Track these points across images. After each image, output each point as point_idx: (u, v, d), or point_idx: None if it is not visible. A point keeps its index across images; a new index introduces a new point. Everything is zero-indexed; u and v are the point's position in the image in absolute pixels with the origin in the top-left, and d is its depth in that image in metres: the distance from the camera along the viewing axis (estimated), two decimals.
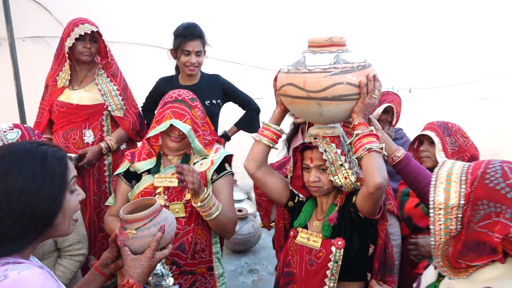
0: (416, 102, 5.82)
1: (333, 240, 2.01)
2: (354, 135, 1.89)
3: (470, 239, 1.30)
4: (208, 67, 3.42)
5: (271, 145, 2.13)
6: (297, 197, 2.21)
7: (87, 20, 3.04)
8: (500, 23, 6.49)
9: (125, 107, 3.18)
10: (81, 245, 2.34)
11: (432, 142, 2.55)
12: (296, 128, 2.95)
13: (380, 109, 3.38)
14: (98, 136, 3.12)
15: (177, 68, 3.43)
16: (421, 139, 2.66)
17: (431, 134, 2.55)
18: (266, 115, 2.46)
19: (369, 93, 1.87)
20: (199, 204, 2.13)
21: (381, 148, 1.85)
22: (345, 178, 1.97)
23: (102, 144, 3.08)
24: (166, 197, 2.28)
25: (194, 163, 2.38)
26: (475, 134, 6.44)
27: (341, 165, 1.97)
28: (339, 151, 2.00)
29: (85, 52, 3.04)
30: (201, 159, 2.39)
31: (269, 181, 2.19)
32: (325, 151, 1.97)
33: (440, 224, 1.33)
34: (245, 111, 3.57)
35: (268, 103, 2.67)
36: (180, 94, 2.36)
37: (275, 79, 2.08)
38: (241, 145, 3.36)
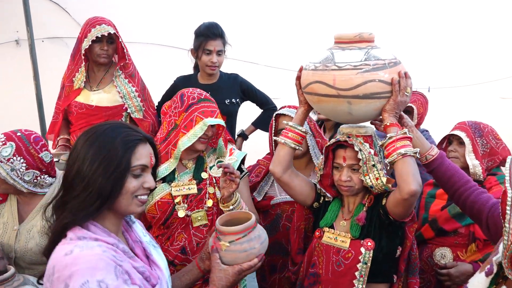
0: (435, 102, 5.72)
1: (362, 241, 2.00)
2: (388, 137, 1.85)
3: None
4: (225, 67, 3.41)
5: (297, 147, 2.09)
6: (322, 198, 2.19)
7: (104, 20, 3.00)
8: None
9: (144, 109, 3.16)
10: None
11: (461, 143, 2.47)
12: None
13: None
14: None
15: (195, 67, 3.44)
16: (450, 138, 2.58)
17: (462, 134, 2.46)
18: None
19: (401, 90, 1.82)
20: (230, 207, 2.10)
21: (415, 153, 1.82)
22: (376, 179, 1.95)
23: None
24: (186, 206, 2.23)
25: (211, 168, 2.35)
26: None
27: (373, 165, 1.95)
28: (372, 151, 1.97)
29: (102, 54, 3.02)
30: (217, 162, 2.36)
31: (295, 184, 2.14)
32: (360, 150, 1.95)
33: None
34: (262, 110, 3.56)
35: (284, 103, 2.66)
36: (201, 93, 2.33)
37: (298, 78, 2.03)
38: (257, 145, 3.35)
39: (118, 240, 1.43)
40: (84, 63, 3.02)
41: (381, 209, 1.98)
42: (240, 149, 3.36)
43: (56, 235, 1.39)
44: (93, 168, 1.36)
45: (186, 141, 2.20)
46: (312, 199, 2.19)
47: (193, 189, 2.25)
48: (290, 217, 2.52)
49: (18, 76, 4.41)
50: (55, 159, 2.78)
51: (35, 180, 2.11)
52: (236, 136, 3.57)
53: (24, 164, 2.05)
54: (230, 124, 3.40)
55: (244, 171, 2.42)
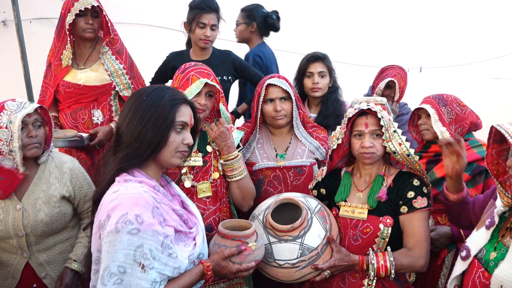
0: (427, 82, 5.73)
1: (381, 218, 2.06)
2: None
3: None
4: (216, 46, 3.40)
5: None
6: (324, 189, 2.30)
7: None
8: None
9: (132, 86, 3.12)
10: None
11: (429, 115, 2.55)
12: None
13: (382, 84, 3.35)
14: (107, 116, 3.08)
15: (188, 43, 3.41)
16: (419, 113, 2.68)
17: (427, 106, 2.57)
18: None
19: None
20: (230, 161, 2.30)
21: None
22: (399, 144, 2.01)
23: (112, 124, 3.04)
24: (192, 177, 2.30)
25: (213, 141, 2.40)
26: (488, 115, 6.36)
27: (395, 131, 2.01)
28: (391, 117, 2.05)
29: (87, 29, 2.95)
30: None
31: None
32: (382, 117, 2.00)
33: None
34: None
35: None
36: (199, 63, 2.39)
37: None
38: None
39: (159, 184, 1.61)
40: (69, 39, 2.96)
41: (401, 201, 2.07)
42: None
43: (107, 181, 1.58)
44: (144, 121, 1.55)
45: None
46: None
47: (199, 161, 2.32)
48: (272, 182, 2.59)
49: (5, 57, 4.38)
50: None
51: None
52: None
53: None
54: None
55: (241, 147, 2.50)
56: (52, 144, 2.32)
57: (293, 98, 2.55)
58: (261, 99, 2.57)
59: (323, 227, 2.03)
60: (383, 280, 2.05)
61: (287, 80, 2.60)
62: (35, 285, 2.27)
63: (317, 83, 3.16)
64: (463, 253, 1.75)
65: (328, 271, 1.98)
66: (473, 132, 2.64)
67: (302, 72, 3.23)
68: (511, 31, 6.44)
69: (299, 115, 2.62)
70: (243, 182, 2.38)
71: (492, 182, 2.35)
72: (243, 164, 2.45)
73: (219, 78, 3.23)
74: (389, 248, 2.04)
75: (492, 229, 1.70)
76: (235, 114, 3.58)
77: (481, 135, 2.64)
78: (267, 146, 2.67)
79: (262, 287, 2.58)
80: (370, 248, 2.06)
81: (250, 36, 3.86)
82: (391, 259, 1.98)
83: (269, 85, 2.56)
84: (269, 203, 2.15)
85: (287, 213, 2.16)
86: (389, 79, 3.32)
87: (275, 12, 3.87)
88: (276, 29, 3.89)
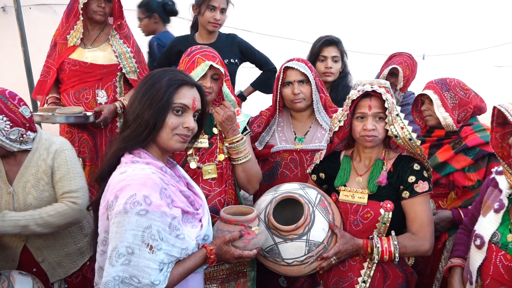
0: (430, 70, 5.68)
1: (381, 202, 2.05)
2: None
3: None
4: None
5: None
6: (321, 174, 2.28)
7: None
8: None
9: (138, 70, 3.12)
10: (77, 194, 2.22)
11: (432, 100, 2.52)
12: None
13: (386, 71, 3.28)
14: (111, 97, 3.06)
15: (193, 26, 3.42)
16: (422, 99, 2.64)
17: (429, 92, 2.53)
18: None
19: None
20: (234, 144, 2.29)
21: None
22: (402, 128, 1.98)
23: (117, 104, 3.02)
24: (198, 158, 2.30)
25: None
26: (490, 103, 6.31)
27: (397, 115, 1.99)
28: (394, 101, 2.02)
29: (99, 11, 2.97)
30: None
31: None
32: (386, 100, 1.98)
33: None
34: (261, 72, 3.54)
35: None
36: (204, 46, 2.37)
37: None
38: (255, 107, 3.33)
39: (161, 166, 1.60)
40: (80, 19, 2.96)
41: (402, 186, 2.06)
42: None
43: (110, 161, 1.59)
44: (142, 102, 1.57)
45: None
46: None
47: (205, 143, 2.31)
48: (289, 165, 2.60)
49: (6, 43, 4.36)
50: (49, 113, 2.76)
51: (21, 138, 2.10)
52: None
53: (8, 122, 2.04)
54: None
55: (248, 130, 2.48)
56: (41, 128, 2.28)
57: (312, 81, 2.52)
58: (280, 83, 2.56)
59: (326, 219, 2.02)
60: (383, 263, 2.05)
61: (306, 63, 2.56)
62: (34, 269, 2.25)
63: (331, 67, 3.13)
64: (477, 242, 1.75)
65: (335, 258, 1.98)
66: (477, 117, 2.61)
67: (316, 56, 3.19)
68: None
69: (320, 99, 2.60)
70: (248, 165, 2.37)
71: (495, 166, 2.32)
72: (249, 147, 2.44)
73: (226, 61, 3.23)
74: (393, 232, 2.03)
75: (502, 212, 1.70)
76: (241, 97, 3.57)
77: (486, 119, 2.59)
78: (287, 130, 2.67)
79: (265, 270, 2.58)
80: (374, 231, 2.05)
81: (156, 27, 4.06)
82: (395, 242, 1.98)
83: (287, 68, 2.54)
84: (268, 200, 2.12)
85: (288, 208, 2.14)
86: (393, 66, 3.27)
87: None
88: (175, 13, 4.09)
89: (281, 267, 2.03)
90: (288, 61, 2.57)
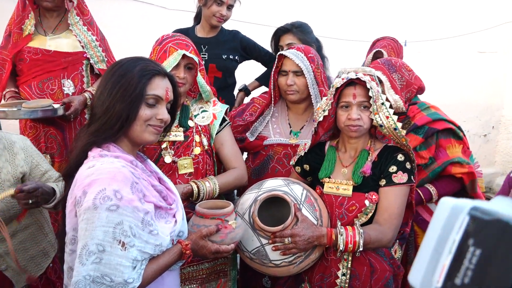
0: (412, 56, 5.62)
1: (366, 194, 1.99)
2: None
3: None
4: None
5: None
6: (306, 166, 2.20)
7: None
8: None
9: (106, 59, 2.94)
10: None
11: (381, 81, 2.45)
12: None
13: (370, 56, 3.26)
14: (78, 87, 2.85)
15: (196, 17, 3.32)
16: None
17: (378, 73, 2.44)
18: None
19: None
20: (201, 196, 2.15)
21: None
22: (387, 117, 1.92)
23: (86, 94, 2.80)
24: (173, 152, 2.18)
25: (195, 116, 2.29)
26: (473, 90, 6.31)
27: (382, 104, 1.92)
28: (380, 89, 1.95)
29: None
30: (201, 112, 2.32)
31: None
32: (371, 88, 1.90)
33: None
34: (266, 68, 3.44)
35: None
36: (175, 34, 2.26)
37: None
38: None
39: (132, 159, 1.53)
40: (32, 8, 2.76)
41: (383, 175, 2.00)
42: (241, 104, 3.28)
43: (78, 156, 1.51)
44: (113, 94, 1.48)
45: None
46: None
47: (180, 136, 2.21)
48: (282, 159, 2.48)
49: None
50: (14, 108, 2.56)
51: None
52: (237, 91, 3.47)
53: None
54: (225, 81, 3.28)
55: (226, 120, 2.38)
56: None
57: (308, 74, 2.38)
58: (277, 71, 2.45)
59: (313, 217, 1.94)
60: (369, 256, 2.00)
61: (306, 53, 2.41)
62: None
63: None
64: None
65: (289, 239, 1.86)
66: (418, 95, 2.64)
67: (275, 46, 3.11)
68: (497, 3, 6.32)
69: (320, 93, 2.44)
70: (224, 188, 2.25)
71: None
72: (229, 137, 2.36)
73: (225, 55, 3.16)
74: (357, 221, 1.96)
75: None
76: (246, 91, 3.46)
77: (426, 98, 2.71)
78: (282, 122, 2.55)
79: (247, 271, 2.51)
80: (338, 220, 1.99)
81: None
82: (360, 231, 1.90)
83: (283, 56, 2.41)
84: (251, 198, 2.01)
85: (273, 206, 2.04)
86: (377, 49, 3.21)
87: None
88: None
89: (269, 269, 1.95)
90: (288, 48, 2.46)
